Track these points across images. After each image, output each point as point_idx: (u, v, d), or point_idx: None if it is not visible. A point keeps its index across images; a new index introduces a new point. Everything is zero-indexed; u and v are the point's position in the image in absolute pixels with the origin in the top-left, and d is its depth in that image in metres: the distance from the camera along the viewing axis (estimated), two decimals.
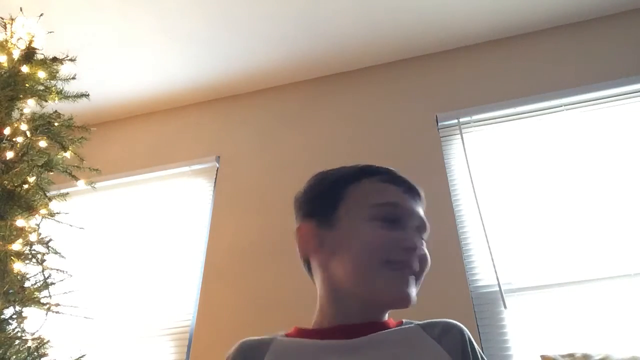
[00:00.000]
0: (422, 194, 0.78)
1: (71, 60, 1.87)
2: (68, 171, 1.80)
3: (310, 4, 2.35)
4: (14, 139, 1.64)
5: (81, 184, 1.85)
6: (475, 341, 0.70)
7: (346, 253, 0.69)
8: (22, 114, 1.76)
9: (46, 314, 1.45)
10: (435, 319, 0.71)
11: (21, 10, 1.93)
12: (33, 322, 1.45)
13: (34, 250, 1.54)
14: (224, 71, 2.73)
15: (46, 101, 1.82)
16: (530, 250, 1.93)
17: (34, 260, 1.51)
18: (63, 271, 1.55)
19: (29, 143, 1.64)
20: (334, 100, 2.66)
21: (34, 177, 1.61)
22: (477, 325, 1.81)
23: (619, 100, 2.18)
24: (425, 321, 0.70)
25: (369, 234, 0.68)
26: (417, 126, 2.40)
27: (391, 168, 0.78)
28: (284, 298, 2.05)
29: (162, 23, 2.43)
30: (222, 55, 2.63)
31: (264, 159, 2.56)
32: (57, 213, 1.65)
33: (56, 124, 1.78)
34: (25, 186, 1.55)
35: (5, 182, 1.53)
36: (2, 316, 1.40)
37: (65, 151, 1.77)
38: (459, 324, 0.70)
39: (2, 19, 1.89)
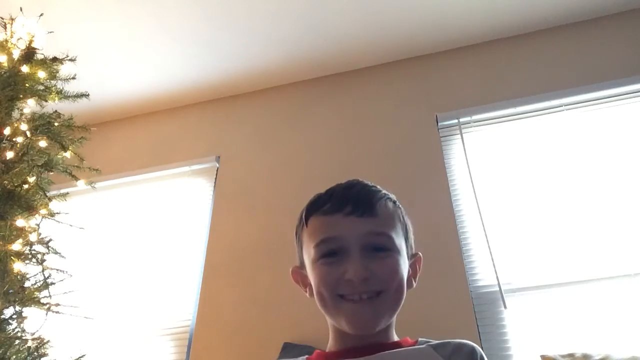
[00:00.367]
0: (377, 197, 0.74)
1: (71, 60, 1.86)
2: (68, 171, 1.80)
3: (311, 4, 2.35)
4: (14, 139, 1.64)
5: (81, 184, 1.85)
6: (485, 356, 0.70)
7: (314, 292, 0.73)
8: (22, 114, 1.76)
9: (46, 314, 1.45)
10: (449, 339, 0.71)
11: (21, 10, 1.92)
12: (33, 322, 1.45)
13: (34, 250, 1.53)
14: (224, 71, 2.73)
15: (46, 101, 1.82)
16: (530, 250, 1.93)
17: (34, 260, 1.51)
18: (63, 271, 1.55)
19: (29, 143, 1.64)
20: (334, 100, 2.66)
21: (34, 177, 1.61)
22: (477, 325, 1.81)
23: (619, 100, 2.18)
24: (439, 341, 0.71)
25: (317, 275, 0.72)
26: (417, 126, 2.40)
27: (337, 188, 0.76)
28: (284, 298, 2.05)
29: (162, 23, 2.43)
30: (222, 55, 2.63)
31: (263, 159, 2.56)
32: (57, 213, 1.65)
33: (56, 124, 1.78)
34: (25, 186, 1.55)
35: (5, 182, 1.53)
36: (2, 316, 1.40)
37: (65, 151, 1.77)
38: (471, 343, 0.70)
39: (2, 19, 1.89)
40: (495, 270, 1.88)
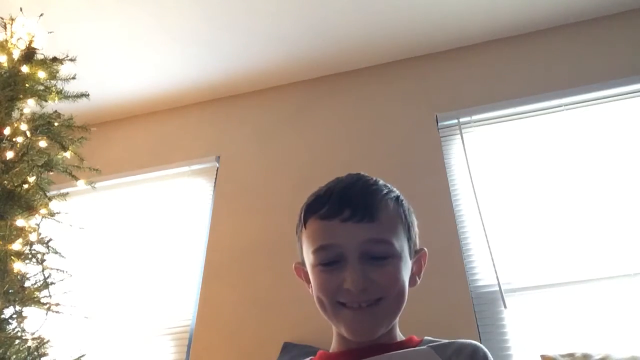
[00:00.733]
0: (378, 198, 0.71)
1: (71, 60, 1.87)
2: (68, 171, 1.80)
3: (310, 4, 2.35)
4: (14, 139, 1.64)
5: (81, 184, 1.85)
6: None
7: (314, 296, 0.73)
8: (22, 114, 1.76)
9: (46, 313, 1.45)
10: (453, 340, 0.70)
11: (21, 10, 1.92)
12: (33, 322, 1.45)
13: (34, 250, 1.54)
14: (224, 71, 2.73)
15: (46, 101, 1.82)
16: (530, 250, 1.93)
17: (34, 260, 1.51)
18: (63, 271, 1.55)
19: (29, 143, 1.64)
20: (334, 100, 2.67)
21: (34, 177, 1.61)
22: (477, 325, 1.81)
23: (619, 100, 2.19)
24: (442, 342, 0.69)
25: (315, 280, 0.71)
26: (417, 126, 2.40)
27: (337, 186, 0.73)
28: (284, 298, 2.05)
29: (162, 23, 2.43)
30: (222, 55, 2.63)
31: (263, 159, 2.56)
32: (57, 213, 1.65)
33: (56, 124, 1.78)
34: (25, 186, 1.55)
35: (5, 182, 1.53)
36: (2, 316, 1.40)
37: (65, 151, 1.77)
38: (474, 343, 0.68)
39: (2, 19, 1.89)
40: (495, 270, 1.88)
